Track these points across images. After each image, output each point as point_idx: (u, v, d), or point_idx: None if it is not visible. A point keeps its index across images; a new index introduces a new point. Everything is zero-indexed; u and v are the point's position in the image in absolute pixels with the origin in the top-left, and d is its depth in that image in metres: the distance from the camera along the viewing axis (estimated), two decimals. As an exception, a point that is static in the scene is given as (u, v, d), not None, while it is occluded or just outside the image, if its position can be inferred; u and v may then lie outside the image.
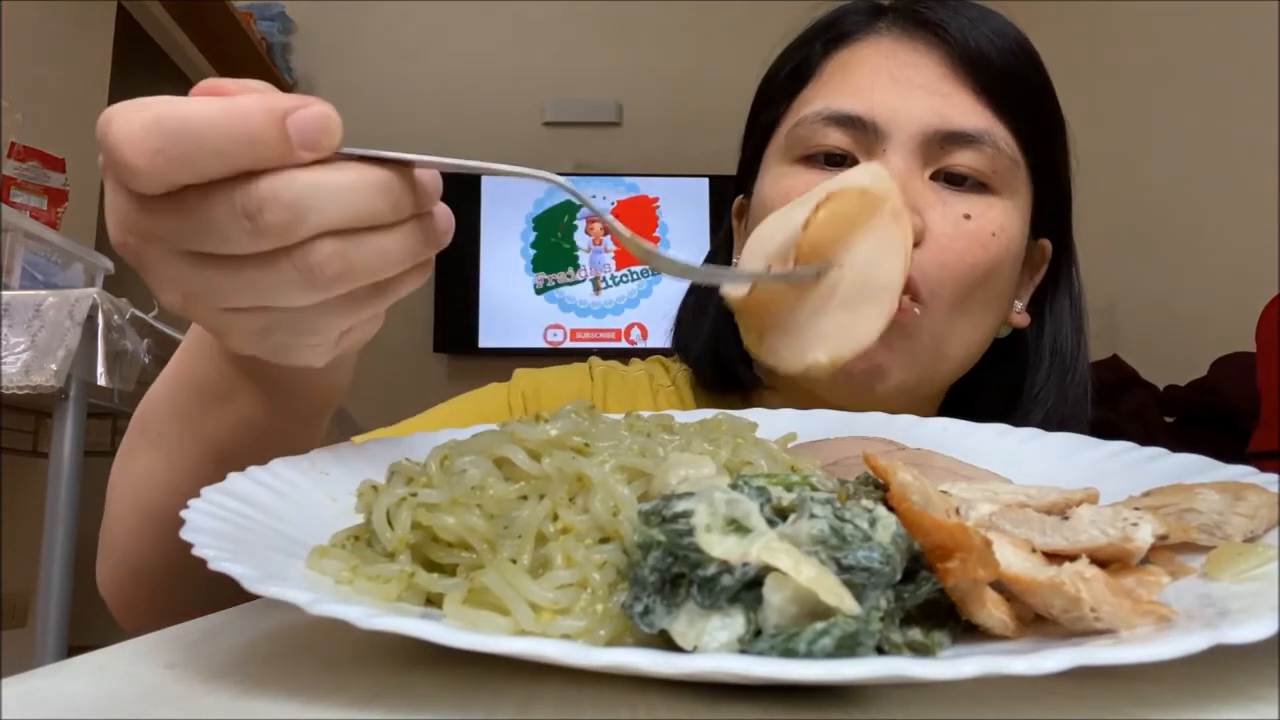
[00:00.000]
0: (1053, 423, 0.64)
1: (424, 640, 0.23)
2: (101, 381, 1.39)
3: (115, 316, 1.43)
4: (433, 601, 0.30)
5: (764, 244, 0.42)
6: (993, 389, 0.68)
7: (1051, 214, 0.67)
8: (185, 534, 0.29)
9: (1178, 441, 0.48)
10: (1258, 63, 2.60)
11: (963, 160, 0.60)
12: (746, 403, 0.70)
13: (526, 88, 3.64)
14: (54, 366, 1.34)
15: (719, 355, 0.71)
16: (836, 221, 0.41)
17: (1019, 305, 0.68)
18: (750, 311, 0.42)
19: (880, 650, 0.25)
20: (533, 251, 3.53)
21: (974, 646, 0.27)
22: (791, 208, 0.42)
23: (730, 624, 0.25)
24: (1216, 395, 2.27)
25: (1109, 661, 0.21)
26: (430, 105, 3.64)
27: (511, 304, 3.48)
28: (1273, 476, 0.36)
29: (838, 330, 0.42)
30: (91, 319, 1.39)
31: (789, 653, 0.24)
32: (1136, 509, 0.31)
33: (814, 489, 0.29)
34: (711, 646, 0.25)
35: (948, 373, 0.64)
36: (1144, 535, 0.29)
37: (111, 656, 0.28)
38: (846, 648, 0.23)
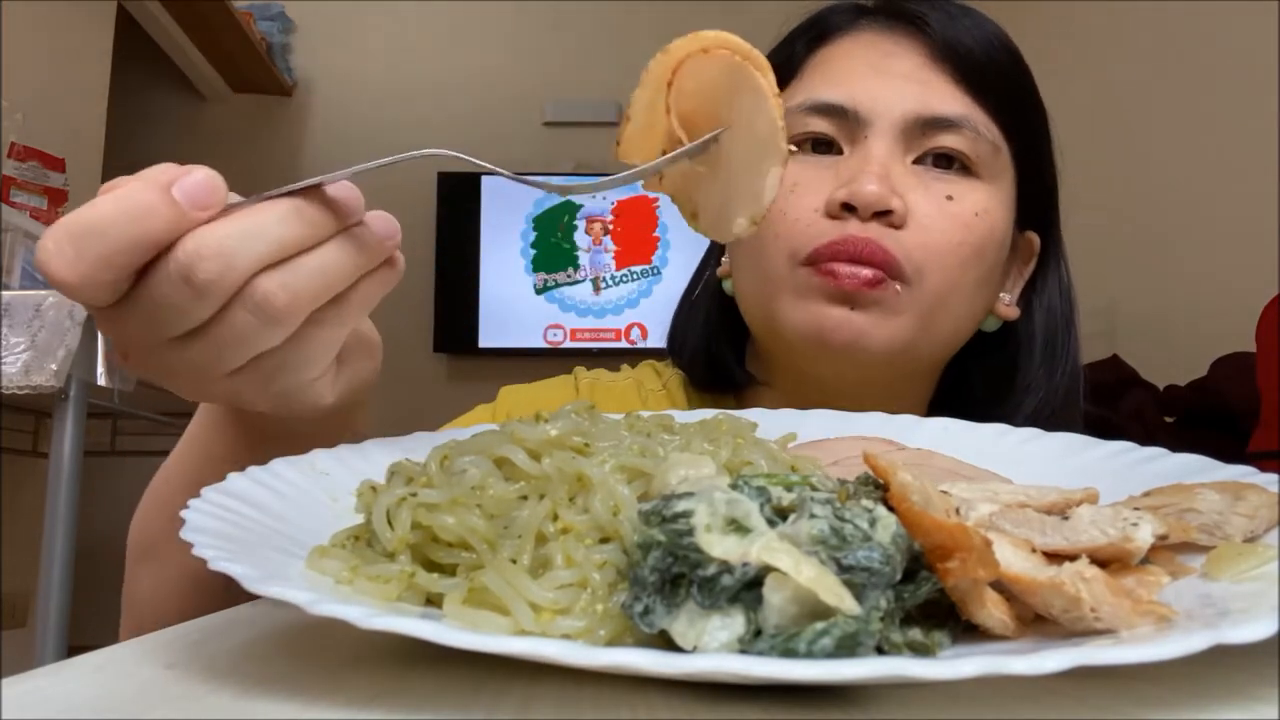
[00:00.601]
0: (1044, 414, 0.66)
1: (424, 640, 0.23)
2: (101, 381, 1.39)
3: (115, 316, 1.43)
4: (433, 601, 0.31)
5: (639, 129, 0.42)
6: (984, 381, 0.69)
7: (1037, 206, 0.68)
8: (185, 534, 0.29)
9: (1178, 441, 0.48)
10: (1258, 63, 2.60)
11: (944, 144, 0.62)
12: (741, 403, 0.70)
13: (526, 88, 3.63)
14: (54, 366, 1.34)
15: (711, 354, 0.72)
16: (696, 92, 0.41)
17: (1007, 298, 0.68)
18: (677, 196, 0.44)
19: (880, 650, 0.25)
20: (533, 251, 3.53)
21: (974, 646, 0.27)
22: (644, 89, 0.42)
23: (730, 624, 0.25)
24: (1216, 395, 2.26)
25: (1109, 661, 0.21)
26: (430, 105, 3.64)
27: (511, 304, 3.48)
28: (1273, 476, 0.36)
29: (746, 191, 0.41)
30: (91, 319, 1.39)
31: (789, 653, 0.24)
32: (1136, 509, 0.31)
33: (814, 489, 0.29)
34: (711, 646, 0.25)
35: (933, 349, 0.64)
36: (1144, 535, 0.29)
37: (111, 656, 0.28)
38: (846, 648, 0.23)
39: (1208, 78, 2.79)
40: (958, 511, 0.32)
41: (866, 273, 0.58)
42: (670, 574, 0.26)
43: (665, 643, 0.26)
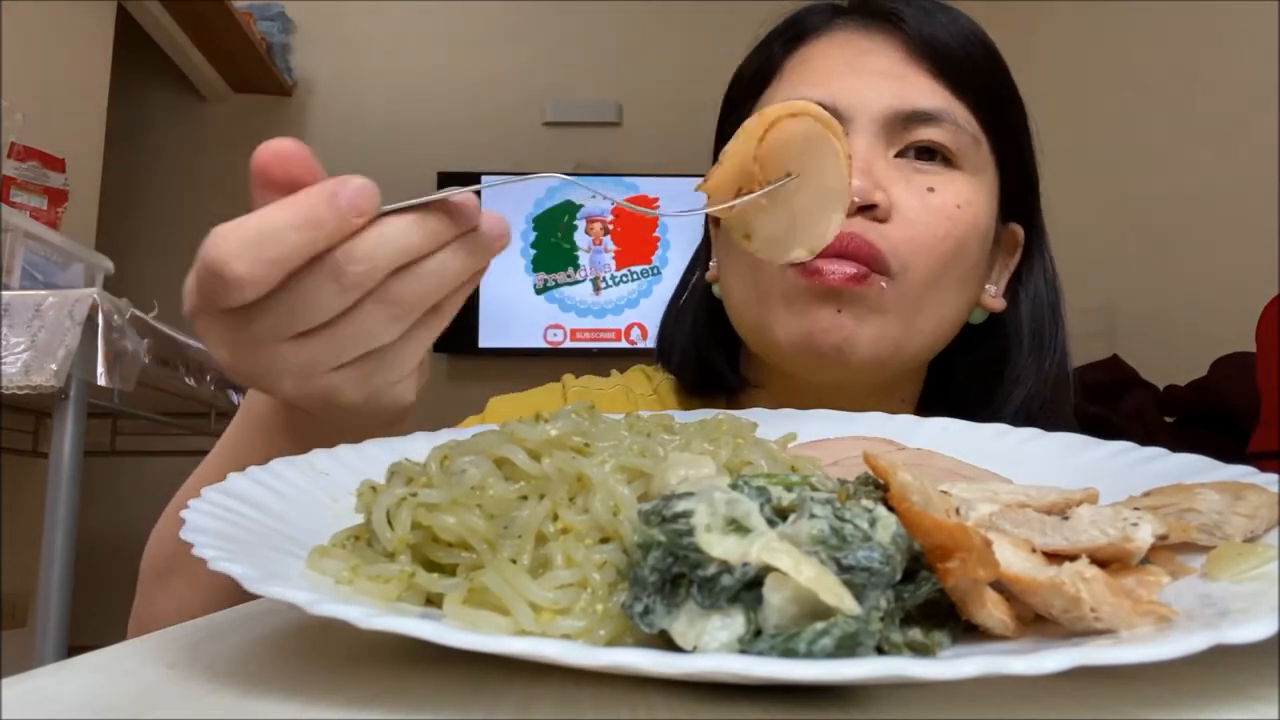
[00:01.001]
0: (1034, 406, 0.66)
1: (424, 640, 0.23)
2: (101, 381, 1.39)
3: (115, 316, 1.43)
4: (433, 601, 0.31)
5: (728, 171, 0.49)
6: (974, 374, 0.69)
7: (1018, 197, 0.69)
8: (185, 534, 0.29)
9: (1178, 441, 0.48)
10: (1258, 62, 2.60)
11: (925, 138, 0.62)
12: (733, 406, 0.70)
13: (526, 88, 3.63)
14: (54, 366, 1.34)
15: (701, 358, 0.72)
16: (780, 143, 0.48)
17: (993, 290, 0.69)
18: (733, 220, 0.50)
19: (880, 650, 0.25)
20: (533, 251, 3.53)
21: (974, 646, 0.27)
22: (738, 142, 0.48)
23: (730, 624, 0.25)
24: (1216, 395, 2.26)
25: (1109, 661, 0.21)
26: (430, 105, 3.64)
27: (511, 304, 3.48)
28: (1273, 476, 0.36)
29: (811, 229, 0.49)
30: (91, 319, 1.39)
31: (789, 653, 0.24)
32: (1136, 509, 0.31)
33: (814, 489, 0.29)
34: (711, 646, 0.25)
35: (920, 347, 0.64)
36: (1144, 535, 0.29)
37: (111, 656, 0.28)
38: (846, 648, 0.23)
39: (1208, 78, 2.79)
40: (958, 511, 0.32)
41: (850, 269, 0.59)
42: (670, 574, 0.26)
43: (665, 643, 0.26)
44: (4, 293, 1.40)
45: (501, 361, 3.47)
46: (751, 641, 0.25)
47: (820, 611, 0.24)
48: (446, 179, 3.54)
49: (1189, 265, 2.79)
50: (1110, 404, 2.36)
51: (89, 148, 2.57)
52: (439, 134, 3.61)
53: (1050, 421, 0.61)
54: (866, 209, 0.60)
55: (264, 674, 0.26)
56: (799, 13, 0.69)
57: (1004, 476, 0.41)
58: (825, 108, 0.61)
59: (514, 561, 0.30)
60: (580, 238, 3.54)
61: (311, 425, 0.47)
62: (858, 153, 0.61)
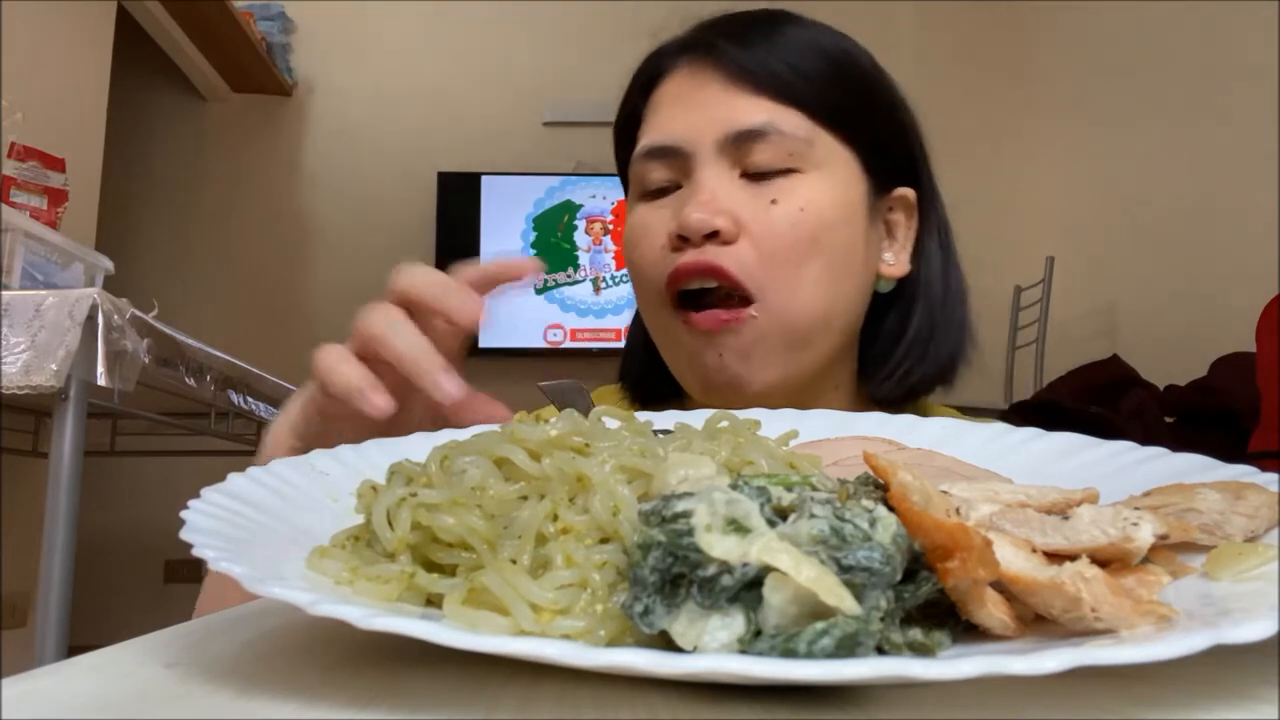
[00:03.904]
0: (936, 360, 0.71)
1: (424, 640, 0.23)
2: (101, 381, 1.39)
3: (115, 316, 1.43)
4: (433, 602, 0.30)
5: None
6: (892, 334, 0.72)
7: (895, 166, 0.71)
8: (184, 534, 0.29)
9: (1178, 441, 0.48)
10: (1258, 63, 2.60)
11: (760, 153, 0.66)
12: None
13: (526, 88, 3.64)
14: (54, 366, 1.34)
15: (648, 379, 0.76)
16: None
17: (890, 258, 0.72)
18: None
19: (880, 650, 0.25)
20: (533, 251, 3.53)
21: (974, 646, 0.27)
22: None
23: (730, 624, 0.25)
24: (1216, 395, 2.26)
25: (1109, 661, 0.21)
26: (430, 105, 3.64)
27: (511, 304, 3.48)
28: (1273, 476, 0.36)
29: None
30: (91, 319, 1.39)
31: (789, 653, 0.24)
32: (1136, 509, 0.31)
33: (814, 489, 0.29)
34: (711, 646, 0.25)
35: (821, 347, 0.67)
36: (1144, 535, 0.29)
37: (111, 656, 0.28)
38: (846, 648, 0.23)
39: (1208, 78, 2.79)
40: (958, 511, 0.32)
41: (723, 314, 0.63)
42: (670, 574, 0.26)
43: (665, 643, 0.26)
44: (4, 293, 1.40)
45: (502, 361, 3.47)
46: (751, 641, 0.25)
47: (820, 611, 0.24)
48: (446, 179, 3.54)
49: (1189, 265, 2.79)
50: (1110, 404, 2.36)
51: (89, 148, 2.57)
52: (439, 134, 3.61)
53: (954, 371, 0.71)
54: (711, 236, 0.64)
55: (264, 674, 0.26)
56: (646, 59, 0.74)
57: (1004, 476, 0.41)
58: (670, 148, 0.69)
59: (514, 562, 0.29)
60: (580, 238, 3.55)
61: None
62: (704, 184, 0.65)
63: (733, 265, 0.63)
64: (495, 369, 3.50)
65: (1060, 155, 3.43)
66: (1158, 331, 2.81)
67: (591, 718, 0.22)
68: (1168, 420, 2.41)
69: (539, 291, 3.51)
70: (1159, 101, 2.95)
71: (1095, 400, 2.39)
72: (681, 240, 0.65)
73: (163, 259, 3.52)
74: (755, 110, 0.66)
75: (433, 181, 3.54)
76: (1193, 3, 2.83)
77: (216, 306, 3.49)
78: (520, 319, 3.48)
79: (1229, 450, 0.82)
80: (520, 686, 0.24)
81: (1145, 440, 0.43)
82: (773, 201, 0.65)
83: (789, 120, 0.66)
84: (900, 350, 0.71)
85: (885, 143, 0.71)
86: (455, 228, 3.51)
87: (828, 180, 0.67)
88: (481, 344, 3.46)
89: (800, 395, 0.68)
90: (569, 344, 3.46)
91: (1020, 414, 2.47)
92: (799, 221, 0.65)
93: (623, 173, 0.77)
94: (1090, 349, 2.92)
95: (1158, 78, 2.96)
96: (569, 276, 3.53)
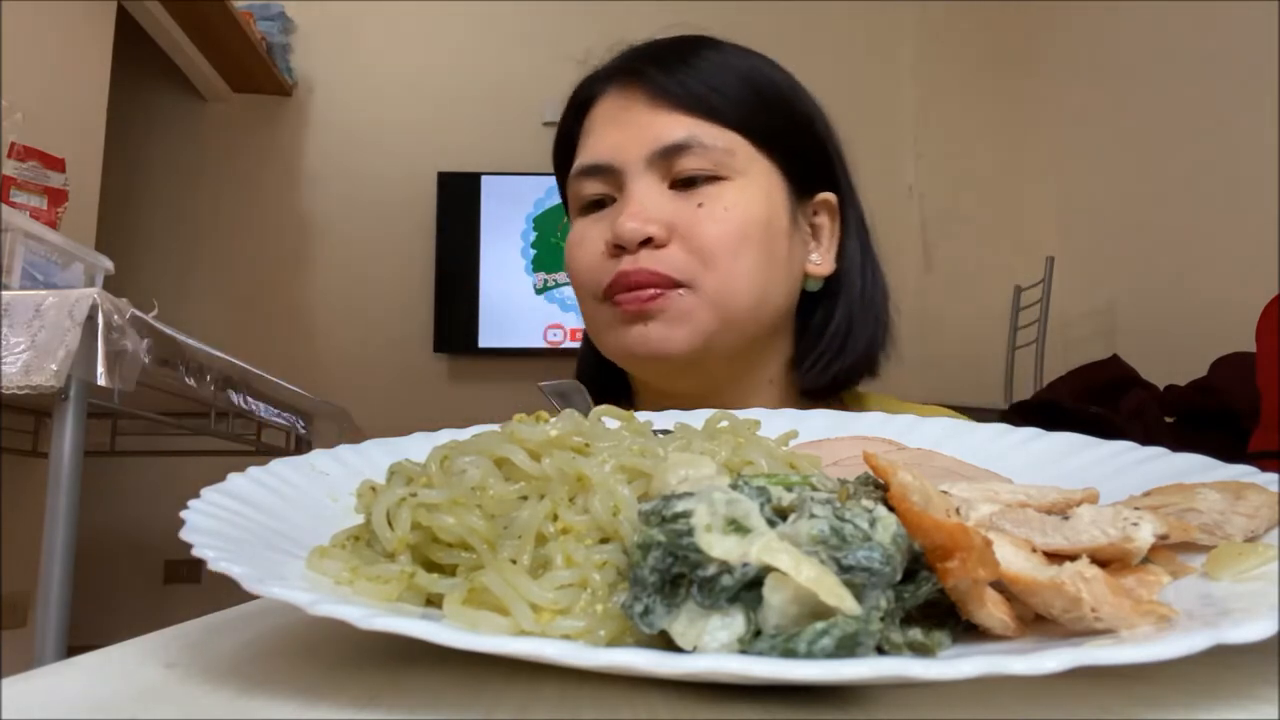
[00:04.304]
0: (856, 350, 0.76)
1: (424, 640, 0.23)
2: (101, 381, 1.39)
3: (115, 316, 1.43)
4: (433, 601, 0.30)
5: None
6: (819, 330, 0.78)
7: (813, 172, 0.77)
8: (185, 534, 0.29)
9: (1178, 441, 0.48)
10: (1258, 62, 2.60)
11: (686, 164, 0.71)
12: None
13: (526, 88, 3.63)
14: (54, 366, 1.34)
15: (597, 379, 0.81)
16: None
17: (816, 258, 0.77)
18: None
19: (880, 650, 0.25)
20: (533, 251, 3.53)
21: (974, 646, 0.27)
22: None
23: (730, 624, 0.25)
24: (1216, 395, 2.26)
25: (1109, 661, 0.21)
26: (430, 105, 3.64)
27: (511, 304, 3.48)
28: (1273, 476, 0.36)
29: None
30: (91, 319, 1.39)
31: (789, 653, 0.24)
32: (1136, 509, 0.31)
33: (814, 489, 0.29)
34: (711, 646, 0.25)
35: (745, 327, 0.72)
36: (1144, 535, 0.29)
37: (111, 656, 0.28)
38: (846, 648, 0.23)
39: (1208, 77, 2.78)
40: (958, 511, 0.32)
41: (645, 294, 0.69)
42: (670, 574, 0.26)
43: (665, 643, 0.26)
44: (4, 293, 1.40)
45: (501, 361, 3.47)
46: (751, 641, 0.25)
47: (820, 611, 0.24)
48: (446, 179, 3.54)
49: (1189, 265, 2.79)
50: (1110, 404, 2.36)
51: (89, 148, 2.57)
52: (439, 134, 3.61)
53: (875, 361, 0.76)
54: (645, 242, 0.69)
55: (263, 674, 0.26)
56: (579, 85, 0.80)
57: (1004, 476, 0.41)
58: (602, 166, 0.74)
59: (514, 562, 0.29)
60: (580, 238, 3.54)
61: None
62: (634, 196, 0.71)
63: (667, 268, 0.69)
64: (495, 369, 3.50)
65: (1060, 155, 3.43)
66: (1158, 331, 2.81)
67: (591, 718, 0.22)
68: (1168, 420, 2.40)
69: (539, 291, 3.51)
70: (1159, 101, 2.95)
71: (1095, 400, 2.39)
72: (618, 249, 0.70)
73: (163, 259, 3.52)
74: (678, 126, 0.72)
75: (433, 181, 3.54)
76: (1193, 3, 2.83)
77: (216, 306, 3.49)
78: (520, 319, 3.48)
79: (1229, 450, 0.82)
80: (520, 686, 0.24)
81: (1145, 440, 0.43)
82: (699, 205, 0.71)
83: (709, 133, 0.72)
84: (823, 343, 0.76)
85: (802, 151, 0.76)
86: (455, 228, 3.51)
87: (750, 185, 0.72)
88: (481, 344, 3.46)
89: (735, 387, 0.74)
90: (569, 344, 3.46)
91: (1020, 414, 2.46)
92: (725, 219, 0.70)
93: (563, 191, 0.82)
94: (1090, 349, 2.91)
95: (1158, 78, 2.96)
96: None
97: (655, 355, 0.70)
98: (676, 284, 0.69)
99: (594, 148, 0.75)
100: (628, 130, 0.73)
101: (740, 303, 0.70)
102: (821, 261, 0.77)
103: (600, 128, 0.76)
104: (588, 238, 0.74)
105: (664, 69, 0.74)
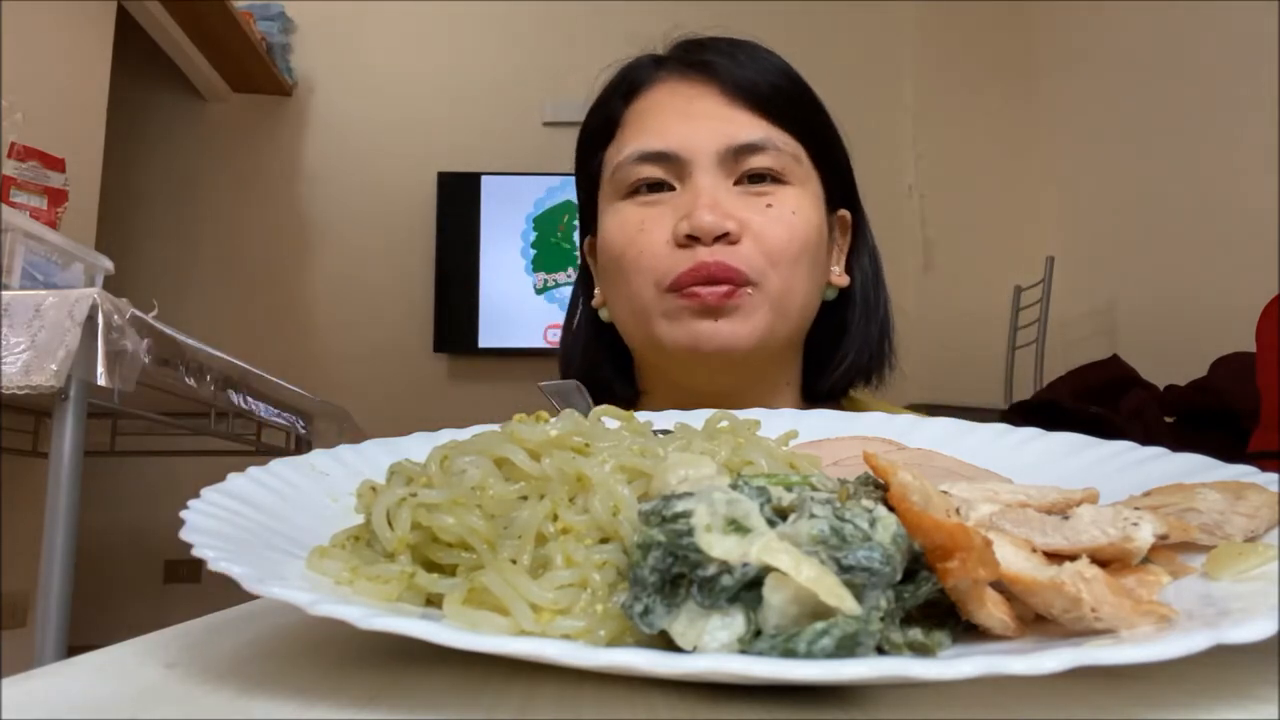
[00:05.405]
0: (865, 356, 0.79)
1: (424, 640, 0.23)
2: (101, 381, 1.39)
3: (115, 316, 1.43)
4: (433, 601, 0.30)
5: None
6: (826, 340, 0.80)
7: (840, 190, 0.80)
8: (184, 534, 0.29)
9: (1178, 441, 0.48)
10: (1258, 63, 2.60)
11: (755, 163, 0.73)
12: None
13: (526, 88, 3.63)
14: (54, 366, 1.34)
15: (596, 373, 0.81)
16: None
17: (836, 270, 0.80)
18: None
19: (880, 650, 0.25)
20: (533, 251, 3.53)
21: (974, 646, 0.27)
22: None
23: (730, 624, 0.25)
24: (1216, 395, 2.26)
25: (1109, 661, 0.21)
26: (430, 105, 3.64)
27: (511, 304, 3.48)
28: (1273, 476, 0.36)
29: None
30: (91, 319, 1.39)
31: (789, 653, 0.24)
32: (1136, 509, 0.31)
33: (814, 489, 0.29)
34: (711, 646, 0.25)
35: (790, 330, 0.75)
36: (1144, 535, 0.29)
37: (111, 656, 0.28)
38: (846, 648, 0.23)
39: (1208, 78, 2.78)
40: (958, 511, 0.32)
41: (722, 289, 0.69)
42: (670, 574, 0.26)
43: (665, 643, 0.26)
44: (4, 293, 1.40)
45: (501, 361, 3.47)
46: (751, 641, 0.25)
47: (820, 611, 0.24)
48: (446, 179, 3.54)
49: (1189, 265, 2.79)
50: (1110, 404, 2.36)
51: (89, 148, 2.57)
52: (439, 134, 3.61)
53: (879, 371, 0.79)
54: (721, 236, 0.70)
55: (263, 674, 0.26)
56: (627, 68, 0.80)
57: (1004, 476, 0.41)
58: (669, 155, 0.73)
59: (514, 562, 0.29)
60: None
61: None
62: (705, 189, 0.71)
63: (743, 265, 0.70)
64: (495, 369, 3.49)
65: (1060, 155, 3.43)
66: (1158, 331, 2.81)
67: (591, 718, 0.22)
68: (1168, 420, 2.40)
69: (539, 291, 3.51)
70: (1159, 101, 2.95)
71: (1095, 400, 2.39)
72: (691, 239, 0.70)
73: (163, 259, 3.52)
74: (754, 127, 0.73)
75: (433, 181, 3.54)
76: (1193, 3, 2.83)
77: (216, 306, 3.49)
78: (520, 319, 3.48)
79: (1229, 450, 0.82)
80: (520, 686, 0.24)
81: (1145, 440, 0.43)
82: (768, 205, 0.72)
83: (781, 137, 0.73)
84: (840, 350, 0.79)
85: (837, 167, 0.79)
86: (455, 228, 3.51)
87: (807, 193, 0.75)
88: (481, 344, 3.46)
89: (760, 387, 0.75)
90: (569, 344, 3.46)
91: (1020, 414, 2.46)
92: (792, 223, 0.72)
93: (584, 172, 0.81)
94: (1090, 349, 2.91)
95: (1158, 78, 2.96)
96: (569, 276, 3.52)
97: (722, 350, 0.70)
98: (748, 281, 0.70)
99: (660, 134, 0.74)
100: (698, 122, 0.73)
101: (794, 304, 0.72)
102: (840, 274, 0.80)
103: (662, 115, 0.75)
104: (649, 223, 0.73)
105: (735, 64, 0.75)
